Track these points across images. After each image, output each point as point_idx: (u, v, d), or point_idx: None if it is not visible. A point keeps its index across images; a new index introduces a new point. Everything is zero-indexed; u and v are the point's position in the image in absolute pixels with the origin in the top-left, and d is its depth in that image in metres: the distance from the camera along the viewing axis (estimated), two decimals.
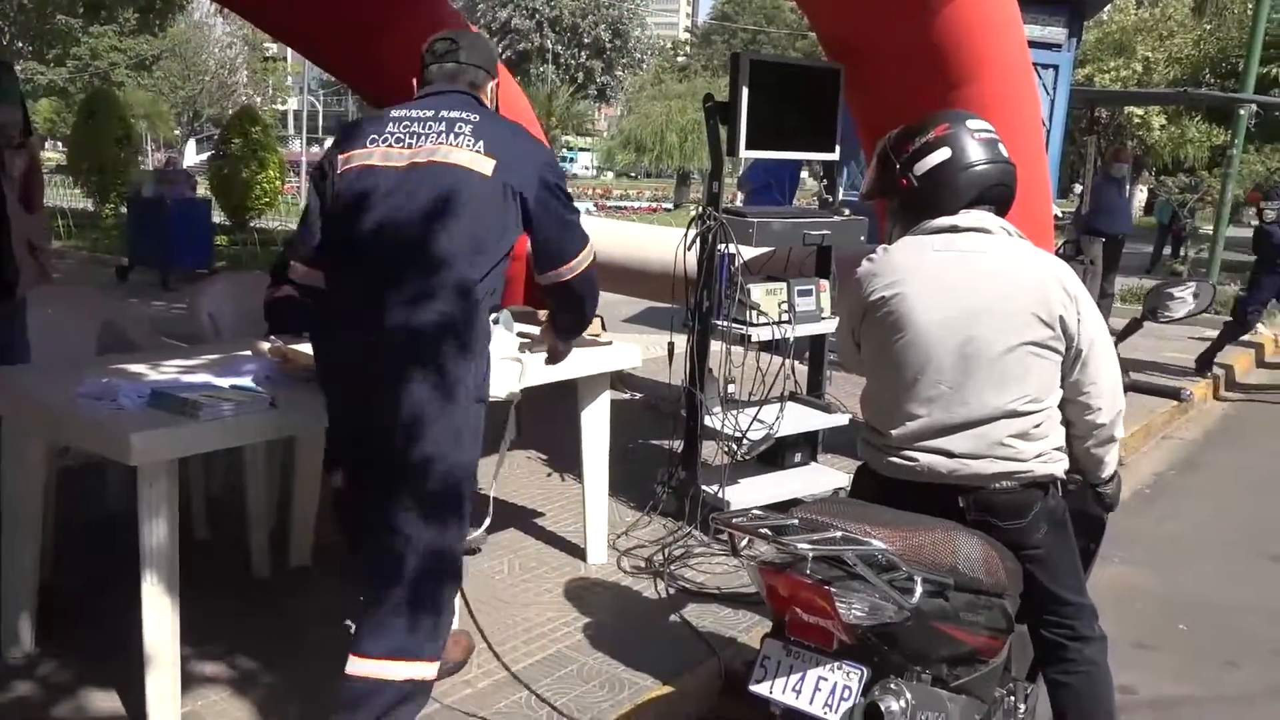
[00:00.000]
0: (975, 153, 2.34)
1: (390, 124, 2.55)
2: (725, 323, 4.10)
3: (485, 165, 2.46)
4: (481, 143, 2.49)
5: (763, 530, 1.84)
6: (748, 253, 4.28)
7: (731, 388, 4.16)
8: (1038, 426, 2.28)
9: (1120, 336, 2.70)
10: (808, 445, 4.67)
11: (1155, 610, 3.96)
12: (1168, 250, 14.50)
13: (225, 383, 2.83)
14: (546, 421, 4.41)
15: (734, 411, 4.16)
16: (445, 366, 2.40)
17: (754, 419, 4.13)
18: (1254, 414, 7.49)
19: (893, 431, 2.34)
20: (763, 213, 4.28)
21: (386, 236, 2.44)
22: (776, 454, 4.56)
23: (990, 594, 2.20)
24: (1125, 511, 5.18)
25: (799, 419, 4.40)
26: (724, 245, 4.02)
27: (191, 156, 24.21)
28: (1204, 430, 6.99)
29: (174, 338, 4.24)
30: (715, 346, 4.22)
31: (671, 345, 4.33)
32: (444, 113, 2.54)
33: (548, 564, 3.85)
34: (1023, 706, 2.54)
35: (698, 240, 4.09)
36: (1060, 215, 8.79)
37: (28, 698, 2.83)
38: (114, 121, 14.33)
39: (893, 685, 1.87)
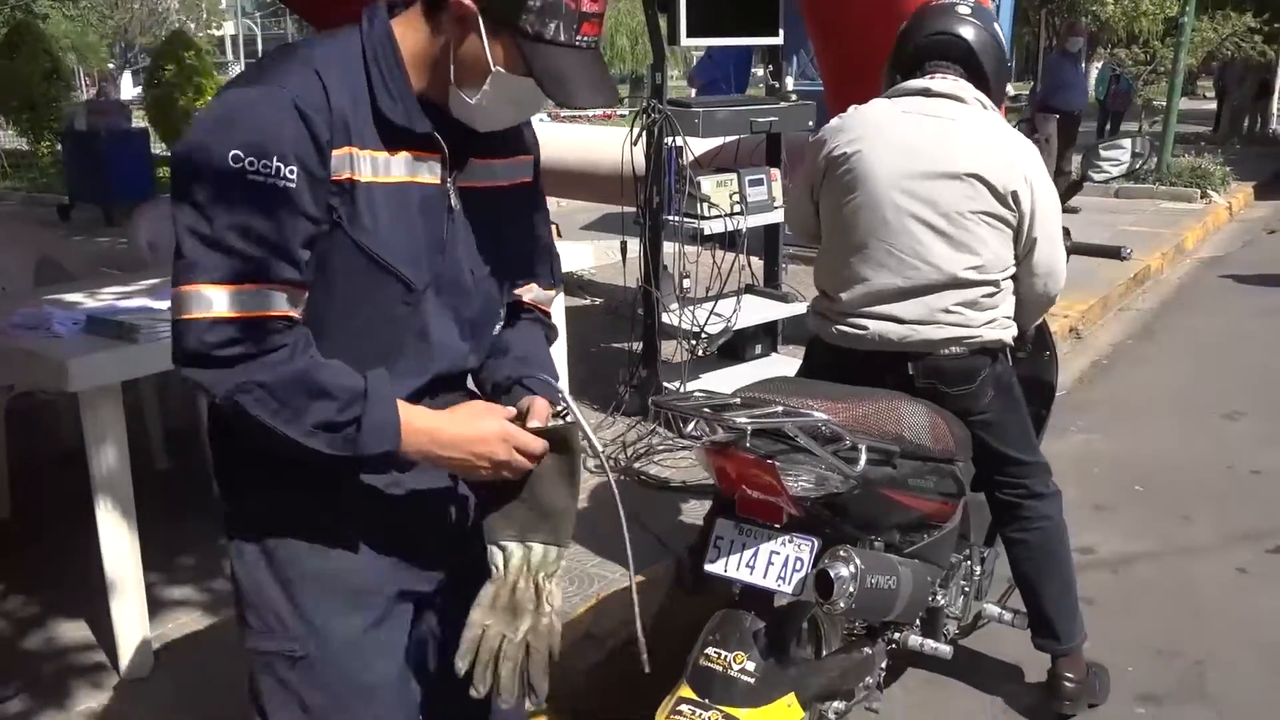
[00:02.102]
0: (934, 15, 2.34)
1: None
2: (676, 218, 4.05)
3: None
4: None
5: (704, 410, 1.82)
6: (697, 147, 4.21)
7: (687, 283, 4.13)
8: (988, 296, 2.28)
9: (1063, 199, 2.68)
10: (767, 337, 4.67)
11: (1112, 473, 4.04)
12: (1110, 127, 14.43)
13: (163, 305, 2.75)
14: None
15: (691, 307, 4.15)
16: None
17: (711, 313, 4.11)
18: (1209, 281, 7.57)
19: (843, 295, 2.34)
20: (707, 102, 4.20)
21: None
22: (736, 347, 4.57)
23: (939, 460, 2.22)
24: (1083, 382, 5.31)
25: (757, 311, 4.39)
26: (670, 138, 3.95)
27: (128, 89, 23.35)
28: (1160, 300, 7.06)
29: (117, 269, 4.13)
30: (671, 247, 4.18)
31: (624, 245, 4.28)
32: None
33: None
34: (979, 569, 2.59)
35: (643, 135, 4.01)
36: (1014, 95, 8.68)
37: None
38: (40, 55, 13.73)
39: (842, 552, 1.88)
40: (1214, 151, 12.00)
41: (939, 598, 2.38)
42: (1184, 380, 5.23)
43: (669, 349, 4.36)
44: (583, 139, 6.58)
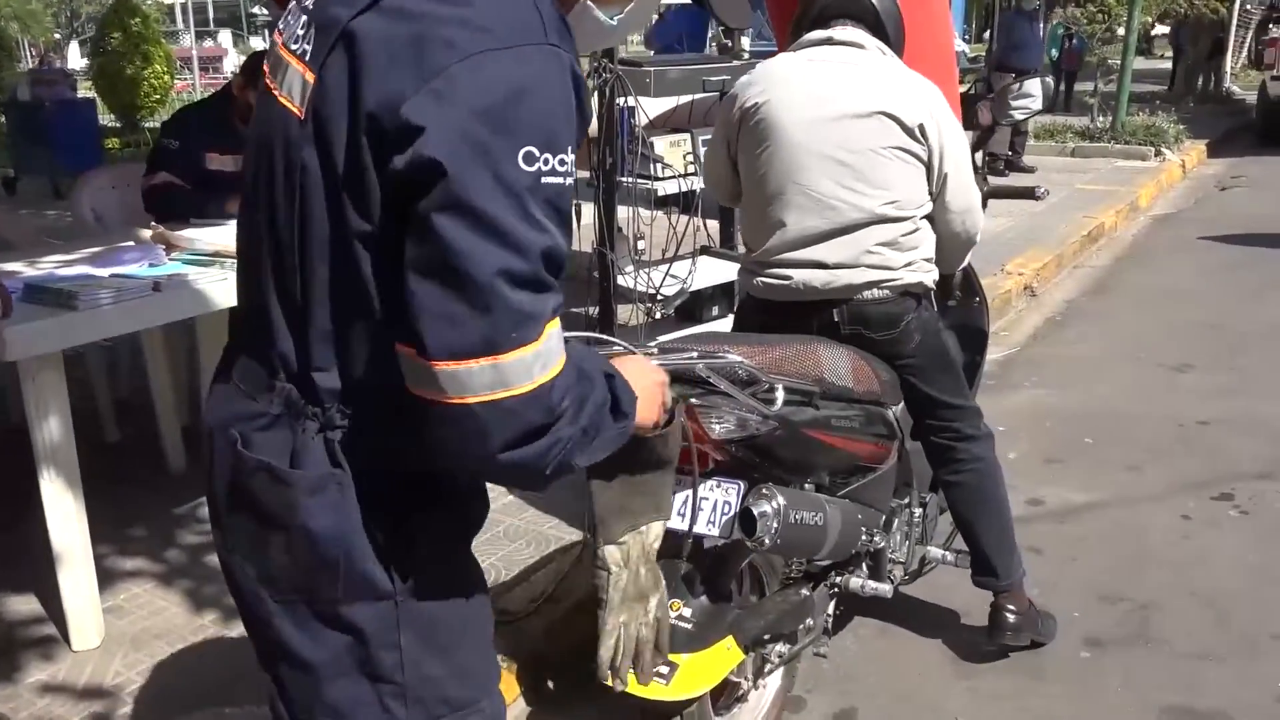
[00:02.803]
0: None
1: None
2: (630, 179, 4.03)
3: (299, 87, 1.12)
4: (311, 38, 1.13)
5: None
6: (651, 108, 4.18)
7: (641, 245, 4.12)
8: (907, 235, 2.32)
9: (975, 146, 2.71)
10: (724, 298, 4.67)
11: (1064, 427, 4.10)
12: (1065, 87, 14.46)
13: (105, 272, 2.72)
14: None
15: (646, 270, 4.14)
16: None
17: (666, 275, 4.11)
18: (1162, 238, 7.66)
19: (766, 245, 2.37)
20: (659, 61, 4.17)
21: None
22: (694, 309, 4.58)
23: (865, 402, 2.25)
24: (1037, 339, 5.38)
25: (713, 272, 4.39)
26: (622, 98, 3.92)
27: (76, 59, 22.81)
28: (1114, 256, 7.14)
29: (60, 239, 4.06)
30: (625, 210, 4.16)
31: (578, 208, 4.25)
32: None
33: None
34: (919, 511, 2.64)
35: (595, 94, 3.98)
36: (970, 55, 8.69)
37: None
38: None
39: (765, 490, 1.91)
40: (1168, 110, 12.10)
41: (879, 540, 2.41)
42: (1135, 335, 5.31)
43: (626, 313, 4.36)
44: None
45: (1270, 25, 12.78)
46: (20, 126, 9.71)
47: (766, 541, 1.91)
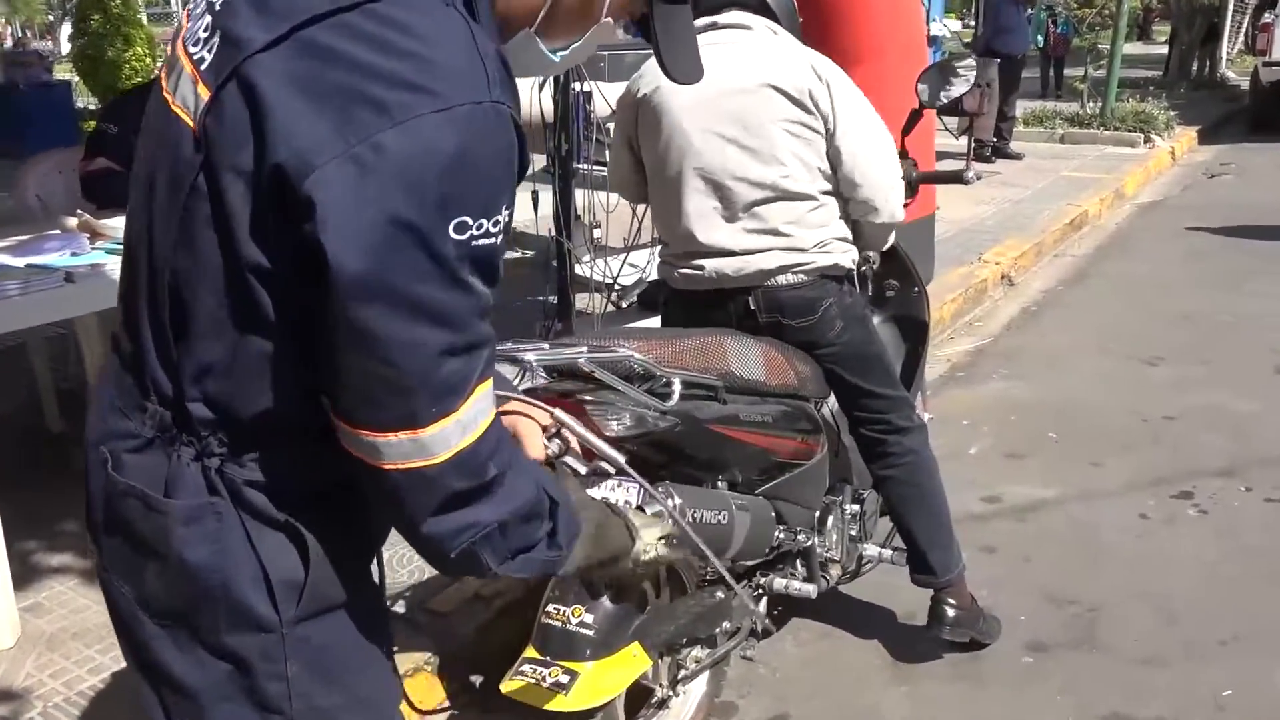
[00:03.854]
0: None
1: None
2: (587, 166, 3.95)
3: (193, 99, 0.99)
4: (216, 4, 1.01)
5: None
6: (610, 95, 4.09)
7: (598, 233, 4.04)
8: (813, 212, 2.25)
9: (904, 130, 2.61)
10: None
11: (1029, 421, 4.02)
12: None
13: (21, 262, 2.64)
14: None
15: (606, 258, 4.05)
16: None
17: (623, 263, 4.02)
18: (1146, 226, 7.57)
19: (676, 233, 2.31)
20: (614, 46, 4.07)
21: None
22: (657, 298, 4.48)
23: (780, 395, 2.17)
24: (1011, 329, 5.29)
25: None
26: (577, 83, 3.83)
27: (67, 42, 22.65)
28: (1096, 245, 7.04)
29: (7, 223, 3.97)
30: (582, 196, 4.07)
31: (535, 194, 4.16)
32: None
33: None
34: (855, 508, 2.56)
35: (549, 81, 3.89)
36: (949, 33, 8.56)
37: None
38: None
39: (660, 488, 1.83)
40: (1160, 96, 11.97)
41: (804, 539, 2.34)
42: (1109, 326, 5.22)
43: (585, 301, 4.27)
44: None
45: (1265, 10, 12.61)
46: None
47: None
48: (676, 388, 1.87)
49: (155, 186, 1.02)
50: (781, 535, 2.28)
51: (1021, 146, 9.84)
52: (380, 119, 0.86)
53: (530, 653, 1.85)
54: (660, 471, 1.95)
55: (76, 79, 11.97)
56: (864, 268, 2.77)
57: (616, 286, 4.03)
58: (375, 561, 1.21)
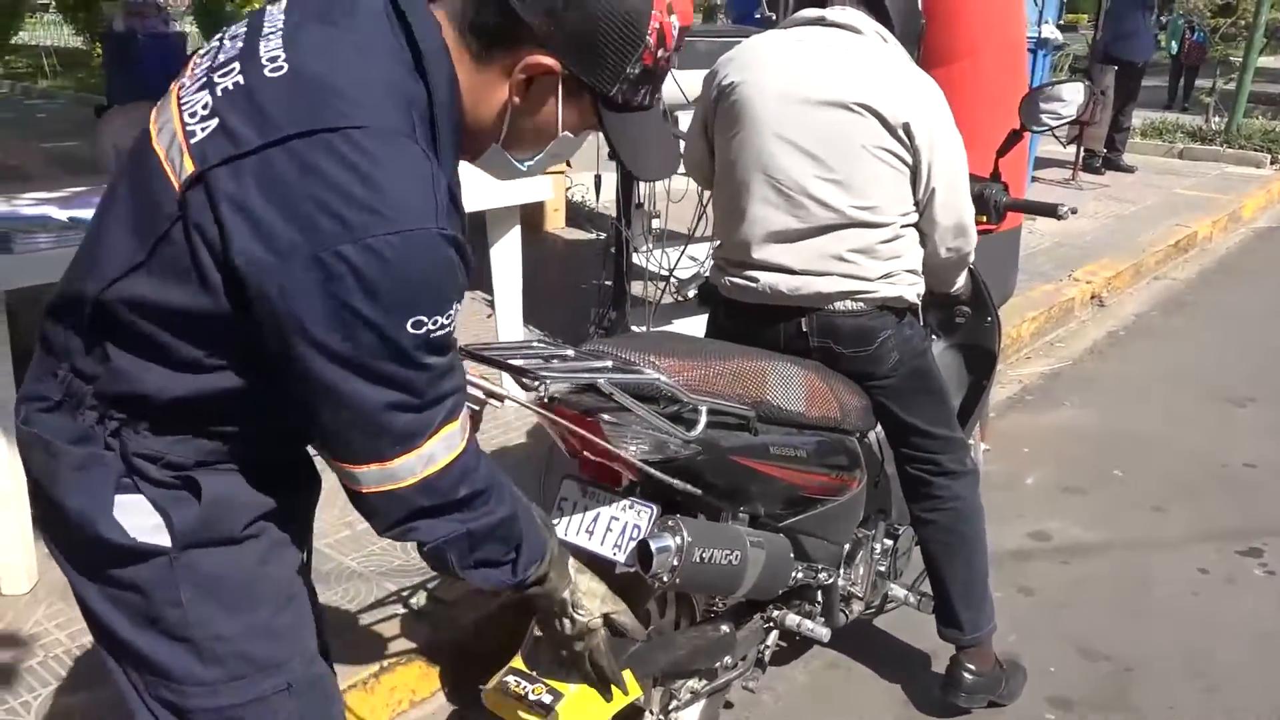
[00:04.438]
0: None
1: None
2: None
3: (179, 161, 1.10)
4: (219, 87, 1.12)
5: (511, 361, 1.65)
6: (680, 80, 3.97)
7: (656, 223, 3.94)
8: (886, 243, 2.09)
9: (999, 152, 2.44)
10: None
11: (1094, 455, 3.80)
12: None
13: (65, 215, 2.66)
14: None
15: (665, 248, 3.95)
16: None
17: (681, 255, 3.92)
18: (1260, 254, 7.12)
19: (734, 239, 2.17)
20: (688, 32, 3.94)
21: None
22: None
23: (819, 428, 2.05)
24: (1093, 353, 5.03)
25: None
26: None
27: None
28: (1200, 270, 6.65)
29: (76, 171, 4.06)
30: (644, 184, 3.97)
31: (598, 179, 4.08)
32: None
33: None
34: (880, 546, 2.42)
35: None
36: (1062, 40, 8.14)
37: None
38: None
39: (670, 522, 1.73)
40: None
41: (826, 577, 2.21)
42: (1202, 359, 4.91)
43: (645, 290, 4.18)
44: None
45: None
46: (115, 56, 9.90)
47: (665, 578, 1.72)
48: (702, 417, 1.76)
49: (119, 199, 1.16)
50: (801, 574, 2.15)
51: (1135, 159, 9.36)
52: (342, 232, 1.01)
53: (517, 663, 1.79)
54: (677, 496, 1.84)
55: (194, 30, 12.34)
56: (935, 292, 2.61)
57: (672, 280, 3.92)
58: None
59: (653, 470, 1.77)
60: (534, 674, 1.75)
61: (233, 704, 1.22)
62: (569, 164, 5.75)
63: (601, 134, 1.22)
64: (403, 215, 1.03)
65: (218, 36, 1.19)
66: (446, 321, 1.08)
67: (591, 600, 1.43)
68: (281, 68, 1.07)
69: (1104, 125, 8.57)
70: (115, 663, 1.25)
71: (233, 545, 1.21)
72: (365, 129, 1.04)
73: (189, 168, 1.06)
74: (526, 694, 1.73)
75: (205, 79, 1.11)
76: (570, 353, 1.81)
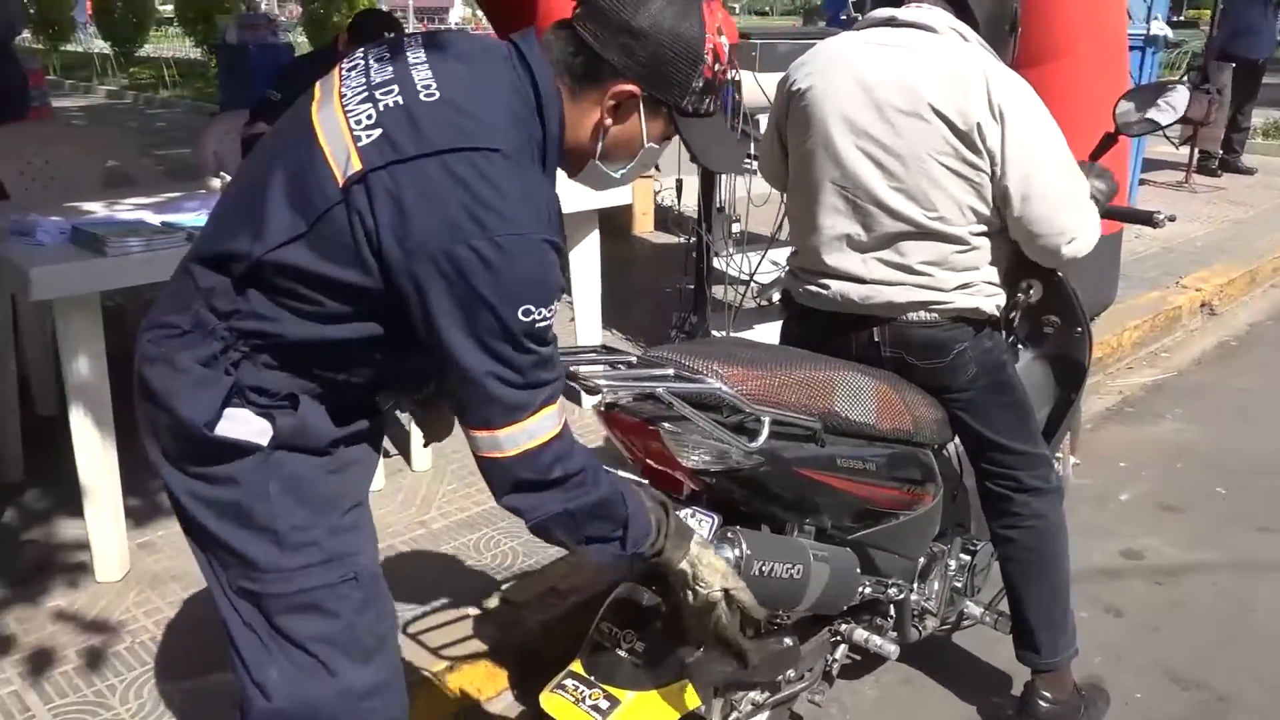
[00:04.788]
0: None
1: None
2: None
3: (344, 158, 1.31)
4: (381, 103, 1.33)
5: (572, 368, 1.65)
6: (762, 84, 3.93)
7: (737, 228, 3.90)
8: (961, 254, 2.01)
9: (1092, 155, 2.33)
10: None
11: (1196, 471, 3.61)
12: None
13: (158, 220, 2.77)
14: None
15: (745, 253, 3.92)
16: None
17: (761, 259, 3.87)
18: None
19: (805, 247, 2.13)
20: (767, 33, 3.91)
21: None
22: None
23: (890, 440, 1.99)
24: (1200, 364, 4.79)
25: None
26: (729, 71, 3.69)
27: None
28: None
29: (179, 178, 4.22)
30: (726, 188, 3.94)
31: (679, 183, 4.07)
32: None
33: None
34: (956, 562, 2.34)
35: None
36: (1173, 37, 7.79)
37: (11, 524, 2.96)
38: None
39: (729, 534, 1.70)
40: None
41: (897, 592, 2.15)
42: None
43: (732, 296, 4.15)
44: None
45: None
46: (228, 67, 10.34)
47: None
48: (765, 428, 1.73)
49: (277, 172, 1.34)
50: (869, 589, 2.10)
51: (1255, 161, 8.91)
52: (477, 230, 1.25)
53: (576, 667, 1.77)
54: (741, 507, 1.82)
55: (304, 40, 12.76)
56: (1020, 299, 2.51)
57: (753, 284, 3.88)
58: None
59: (712, 480, 1.76)
60: (592, 679, 1.74)
61: (306, 588, 1.41)
62: (657, 168, 5.77)
63: (680, 140, 1.46)
64: (522, 221, 1.27)
65: (360, 53, 1.42)
66: (549, 314, 1.30)
67: (713, 574, 1.53)
68: (434, 94, 1.31)
69: (1220, 125, 8.17)
70: (204, 557, 1.44)
71: (314, 455, 1.43)
72: (500, 151, 1.28)
73: (355, 165, 1.28)
74: (583, 698, 1.71)
75: (367, 93, 1.33)
76: (633, 359, 1.80)
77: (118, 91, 14.38)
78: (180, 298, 1.40)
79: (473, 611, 2.60)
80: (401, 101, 1.31)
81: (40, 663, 2.35)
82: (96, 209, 2.96)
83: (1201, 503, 3.40)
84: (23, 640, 2.43)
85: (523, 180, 1.30)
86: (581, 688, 1.73)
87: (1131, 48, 6.65)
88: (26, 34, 18.71)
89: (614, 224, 6.45)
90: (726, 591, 1.54)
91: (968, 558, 2.41)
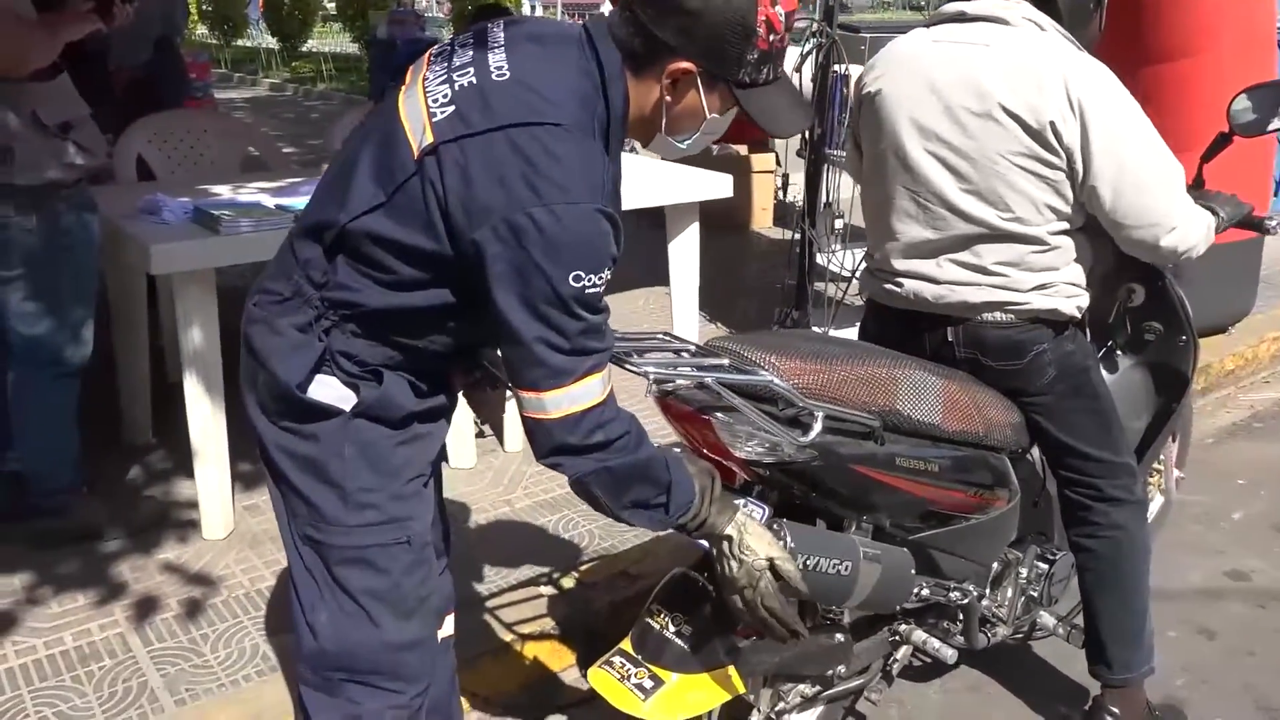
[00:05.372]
0: None
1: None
2: (840, 152, 3.78)
3: (420, 132, 1.41)
4: (457, 83, 1.42)
5: (619, 354, 1.68)
6: None
7: (840, 223, 3.87)
8: (1039, 254, 1.96)
9: (1203, 157, 2.22)
10: None
11: None
12: None
13: (274, 202, 2.95)
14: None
15: (849, 249, 3.88)
16: None
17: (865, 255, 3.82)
18: None
19: (881, 248, 2.11)
20: (879, 26, 3.85)
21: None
22: None
23: (958, 442, 1.95)
24: None
25: None
26: (837, 65, 3.67)
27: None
28: None
29: (310, 165, 4.46)
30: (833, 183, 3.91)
31: (785, 178, 4.06)
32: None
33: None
34: (1032, 570, 2.27)
35: (811, 59, 3.75)
36: None
37: (136, 482, 3.21)
38: None
39: (774, 526, 1.70)
40: None
41: (959, 596, 2.11)
42: None
43: (833, 291, 4.11)
44: None
45: None
46: (377, 62, 10.78)
47: None
48: (818, 422, 1.72)
49: (363, 155, 1.45)
50: (928, 590, 2.07)
51: None
52: (534, 198, 1.32)
53: (625, 645, 1.82)
54: (796, 502, 1.83)
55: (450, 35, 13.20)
56: (1121, 303, 2.43)
57: (855, 280, 3.84)
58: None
59: (765, 472, 1.77)
60: (639, 658, 1.78)
61: (362, 544, 1.53)
62: (779, 163, 5.74)
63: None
64: (578, 192, 1.34)
65: (449, 40, 1.54)
66: (599, 281, 1.36)
67: (759, 542, 1.57)
68: (505, 74, 1.39)
69: None
70: (282, 503, 1.57)
71: (388, 426, 1.53)
72: (561, 126, 1.35)
73: (429, 138, 1.38)
74: (629, 676, 1.76)
75: (446, 76, 1.43)
76: (692, 347, 1.82)
77: (280, 85, 15.20)
78: (283, 267, 1.54)
79: (546, 590, 2.68)
80: (475, 81, 1.40)
81: (145, 609, 2.55)
82: (224, 191, 3.18)
83: None
84: (133, 588, 2.64)
85: (582, 154, 1.36)
86: (628, 666, 1.77)
87: None
88: (203, 29, 20.04)
89: (733, 219, 6.46)
90: (771, 561, 1.57)
91: (1045, 566, 2.34)
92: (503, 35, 1.46)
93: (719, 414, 1.71)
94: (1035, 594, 2.33)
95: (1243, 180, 2.98)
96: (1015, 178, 1.90)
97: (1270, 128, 2.20)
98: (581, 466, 1.44)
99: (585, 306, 1.37)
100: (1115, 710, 2.17)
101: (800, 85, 3.77)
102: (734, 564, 1.57)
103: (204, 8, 19.51)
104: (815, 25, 3.71)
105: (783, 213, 6.36)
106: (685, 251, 3.70)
